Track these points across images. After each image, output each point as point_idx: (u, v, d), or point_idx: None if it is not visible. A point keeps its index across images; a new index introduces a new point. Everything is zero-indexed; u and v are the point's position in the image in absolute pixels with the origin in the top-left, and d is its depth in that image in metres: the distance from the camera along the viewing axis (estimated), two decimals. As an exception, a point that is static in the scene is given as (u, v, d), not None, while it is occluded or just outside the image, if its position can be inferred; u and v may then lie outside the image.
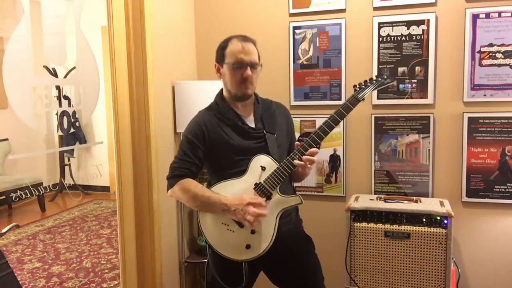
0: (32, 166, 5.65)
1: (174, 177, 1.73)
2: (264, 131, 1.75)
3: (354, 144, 2.57)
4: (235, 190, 1.65)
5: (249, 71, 1.68)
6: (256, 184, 1.65)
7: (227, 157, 1.72)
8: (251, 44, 1.72)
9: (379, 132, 2.51)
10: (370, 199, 2.36)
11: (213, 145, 1.73)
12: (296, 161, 1.60)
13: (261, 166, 1.67)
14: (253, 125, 1.77)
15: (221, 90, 1.82)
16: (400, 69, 2.44)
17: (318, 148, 1.61)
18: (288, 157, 1.63)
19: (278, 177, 1.62)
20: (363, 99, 1.66)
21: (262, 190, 1.64)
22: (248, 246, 1.64)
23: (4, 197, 5.02)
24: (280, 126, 1.83)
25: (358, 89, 1.69)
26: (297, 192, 1.70)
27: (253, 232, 1.64)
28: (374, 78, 1.74)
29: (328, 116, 1.65)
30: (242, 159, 1.70)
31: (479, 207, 2.40)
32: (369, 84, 1.71)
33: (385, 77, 1.75)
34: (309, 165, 1.62)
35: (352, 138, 2.57)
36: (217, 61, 1.78)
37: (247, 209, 1.56)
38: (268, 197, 1.63)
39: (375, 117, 2.51)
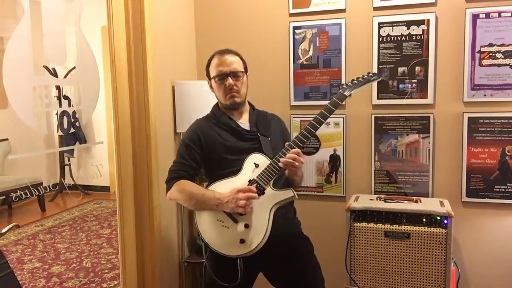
0: (32, 166, 5.64)
1: (171, 179, 1.80)
2: (258, 134, 1.83)
3: (354, 144, 2.57)
4: (230, 188, 1.69)
5: (230, 80, 1.79)
6: (249, 180, 1.70)
7: (223, 158, 1.79)
8: (231, 55, 1.83)
9: (379, 132, 2.51)
10: (370, 199, 2.36)
11: (209, 148, 1.81)
12: (282, 159, 1.65)
13: (254, 163, 1.73)
14: (247, 128, 1.85)
15: (218, 101, 1.93)
16: (400, 69, 2.44)
17: (318, 148, 1.63)
18: (280, 152, 1.69)
19: (270, 172, 1.68)
20: (350, 95, 1.78)
21: (255, 185, 1.68)
22: (242, 241, 1.67)
23: (4, 197, 5.03)
24: (275, 132, 1.91)
25: (345, 86, 1.80)
26: (296, 192, 1.71)
27: (246, 226, 1.67)
28: (361, 76, 1.84)
29: (318, 112, 1.73)
30: (237, 159, 1.76)
31: (479, 207, 2.40)
32: (355, 82, 1.82)
33: (371, 74, 1.85)
34: (296, 163, 1.65)
35: (352, 138, 2.57)
36: (207, 77, 1.89)
37: (237, 196, 1.63)
38: (262, 192, 1.68)
39: (375, 117, 2.51)
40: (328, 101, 1.75)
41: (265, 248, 1.65)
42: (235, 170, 1.75)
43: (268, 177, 1.68)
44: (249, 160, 1.74)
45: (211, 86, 1.89)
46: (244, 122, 1.88)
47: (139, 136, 2.35)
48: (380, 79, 1.89)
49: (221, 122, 1.84)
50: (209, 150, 1.81)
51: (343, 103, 1.80)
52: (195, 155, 1.81)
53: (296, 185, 1.85)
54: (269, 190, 1.69)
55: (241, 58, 1.87)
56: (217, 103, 1.93)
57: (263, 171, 1.69)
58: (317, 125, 1.71)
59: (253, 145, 1.80)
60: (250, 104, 1.96)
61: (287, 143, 1.71)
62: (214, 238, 1.72)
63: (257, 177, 1.69)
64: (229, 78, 1.78)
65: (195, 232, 2.84)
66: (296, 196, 1.70)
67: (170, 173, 1.82)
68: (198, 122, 1.90)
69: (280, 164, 1.66)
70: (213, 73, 1.83)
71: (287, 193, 1.70)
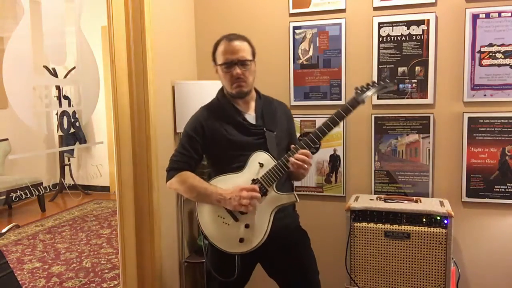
0: (32, 166, 5.64)
1: (172, 170, 1.79)
2: (264, 128, 1.78)
3: (354, 144, 2.57)
4: (232, 184, 1.68)
5: (237, 70, 1.70)
6: (253, 180, 1.68)
7: (226, 152, 1.75)
8: (239, 41, 1.73)
9: (379, 132, 2.51)
10: (370, 199, 2.36)
11: (213, 140, 1.77)
12: (291, 159, 1.62)
13: (259, 163, 1.70)
14: (253, 122, 1.80)
15: (223, 86, 1.85)
16: (400, 69, 2.44)
17: (318, 148, 1.59)
18: (285, 155, 1.65)
19: (274, 175, 1.65)
20: (364, 102, 1.68)
21: (258, 186, 1.66)
22: (241, 240, 1.67)
23: (4, 197, 5.02)
24: (281, 123, 1.85)
25: (359, 91, 1.69)
26: (296, 192, 1.71)
27: (247, 226, 1.67)
28: (377, 81, 1.75)
29: (328, 116, 1.67)
30: (241, 154, 1.72)
31: (479, 207, 2.40)
32: (370, 87, 1.71)
33: (387, 81, 1.74)
34: (305, 166, 1.62)
35: (352, 138, 2.57)
36: (214, 63, 1.81)
37: (241, 194, 1.60)
38: (264, 193, 1.66)
39: (375, 117, 2.51)
40: (340, 107, 1.66)
41: (264, 242, 1.66)
42: (238, 166, 1.72)
43: (272, 179, 1.65)
44: (254, 158, 1.70)
45: (217, 71, 1.79)
46: (250, 113, 1.81)
47: (139, 136, 2.35)
48: (393, 87, 1.76)
49: (226, 113, 1.77)
50: (212, 141, 1.76)
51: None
52: (197, 147, 1.77)
53: (297, 180, 1.85)
54: (272, 192, 1.67)
55: (250, 44, 1.77)
56: (222, 88, 1.84)
57: (267, 172, 1.66)
58: (326, 131, 1.65)
59: (257, 140, 1.75)
60: (256, 90, 1.88)
61: (293, 146, 1.67)
62: (213, 233, 1.73)
63: (261, 177, 1.66)
64: (237, 67, 1.69)
65: (195, 232, 2.84)
66: (298, 200, 1.69)
67: (171, 162, 1.80)
68: (201, 111, 1.83)
69: (289, 164, 1.62)
70: (219, 60, 1.73)
71: (290, 197, 1.68)
